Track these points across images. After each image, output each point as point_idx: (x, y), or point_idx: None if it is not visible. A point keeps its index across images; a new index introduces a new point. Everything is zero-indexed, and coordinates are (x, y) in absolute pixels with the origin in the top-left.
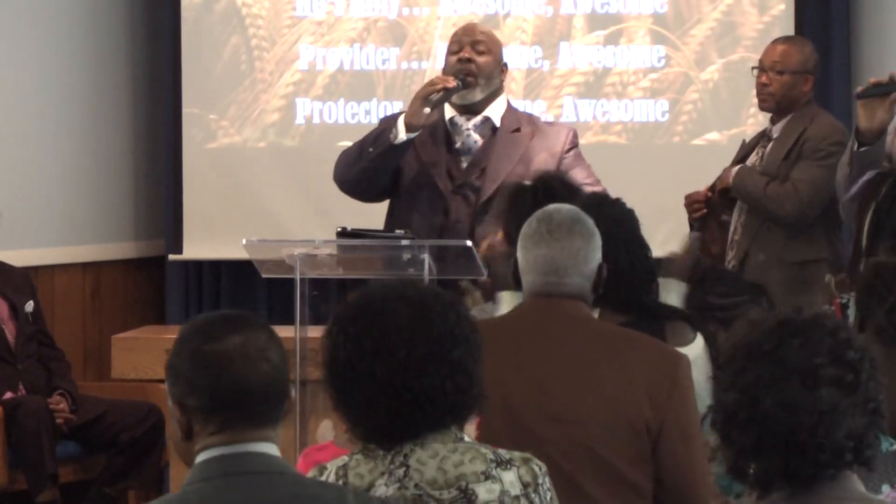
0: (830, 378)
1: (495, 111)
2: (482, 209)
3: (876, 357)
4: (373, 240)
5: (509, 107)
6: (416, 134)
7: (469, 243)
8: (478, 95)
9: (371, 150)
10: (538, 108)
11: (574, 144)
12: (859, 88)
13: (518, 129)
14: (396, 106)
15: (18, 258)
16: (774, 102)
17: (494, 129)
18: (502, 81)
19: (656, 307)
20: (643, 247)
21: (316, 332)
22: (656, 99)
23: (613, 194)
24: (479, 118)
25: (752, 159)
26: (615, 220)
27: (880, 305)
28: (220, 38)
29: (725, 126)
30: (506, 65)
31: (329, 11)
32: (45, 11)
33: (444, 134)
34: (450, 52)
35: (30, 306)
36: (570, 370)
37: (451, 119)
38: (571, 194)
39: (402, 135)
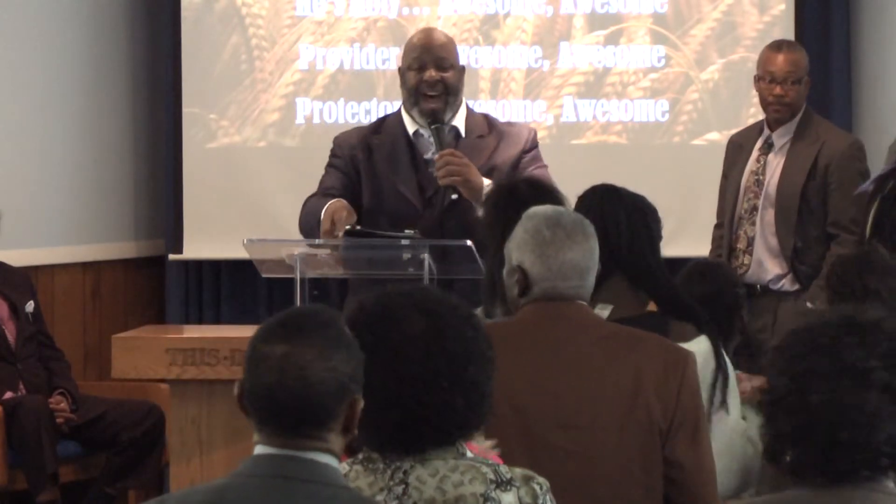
0: (881, 382)
1: (459, 118)
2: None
3: None
4: (372, 239)
5: (468, 110)
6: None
7: (469, 242)
8: (448, 115)
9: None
10: (538, 109)
11: (535, 145)
12: None
13: (482, 136)
14: (396, 105)
15: (18, 258)
16: (790, 113)
17: (459, 136)
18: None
19: (673, 294)
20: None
21: None
22: (656, 99)
23: None
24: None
25: (754, 167)
26: (637, 208)
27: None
28: (220, 38)
29: (725, 126)
30: (463, 67)
31: (329, 11)
32: (46, 11)
33: (407, 148)
34: (409, 68)
35: (30, 306)
36: (579, 375)
37: (416, 132)
38: (541, 194)
39: None
